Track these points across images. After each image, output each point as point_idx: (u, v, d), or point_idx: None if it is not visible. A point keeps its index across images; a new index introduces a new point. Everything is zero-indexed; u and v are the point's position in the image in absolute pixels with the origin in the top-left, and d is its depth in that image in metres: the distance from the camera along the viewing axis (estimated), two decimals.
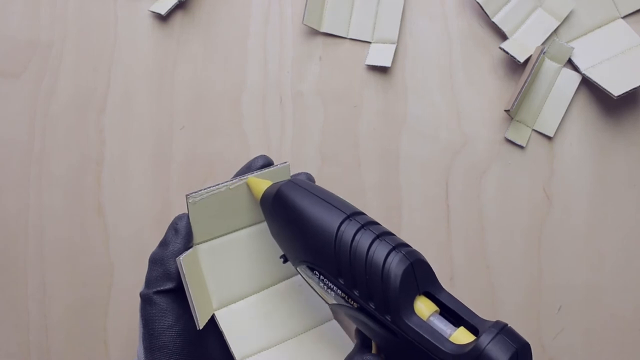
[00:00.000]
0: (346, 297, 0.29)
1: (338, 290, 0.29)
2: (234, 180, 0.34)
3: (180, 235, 0.34)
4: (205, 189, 0.33)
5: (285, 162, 0.36)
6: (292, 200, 0.31)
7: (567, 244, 0.41)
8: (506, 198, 0.41)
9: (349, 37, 0.43)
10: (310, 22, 0.42)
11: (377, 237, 0.28)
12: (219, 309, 0.35)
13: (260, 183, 0.34)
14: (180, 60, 0.44)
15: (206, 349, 0.34)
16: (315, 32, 0.43)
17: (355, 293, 0.28)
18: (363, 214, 0.30)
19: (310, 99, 0.43)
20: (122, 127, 0.43)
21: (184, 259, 0.32)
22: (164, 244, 0.34)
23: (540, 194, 0.41)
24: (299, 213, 0.30)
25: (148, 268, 0.34)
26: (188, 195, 0.33)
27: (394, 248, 0.28)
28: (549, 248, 0.41)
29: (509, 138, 0.41)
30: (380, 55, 0.42)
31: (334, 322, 0.37)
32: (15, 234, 0.42)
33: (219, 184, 0.34)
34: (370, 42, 0.43)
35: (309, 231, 0.30)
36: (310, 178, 0.37)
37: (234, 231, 0.36)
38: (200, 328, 0.32)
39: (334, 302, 0.30)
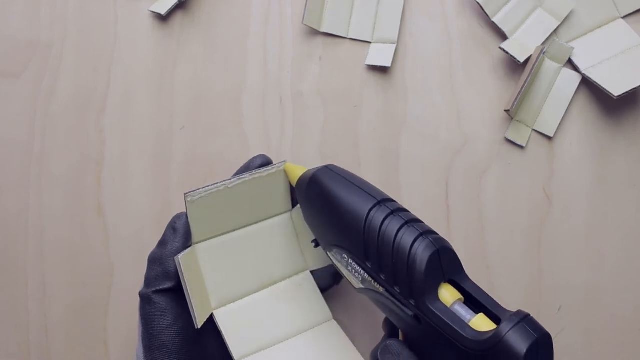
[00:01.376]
0: (372, 281, 0.29)
1: (365, 274, 0.30)
2: (233, 179, 0.34)
3: (179, 234, 0.34)
4: (203, 187, 0.33)
5: (284, 161, 0.36)
6: (325, 185, 0.32)
7: (567, 244, 0.41)
8: (506, 198, 0.41)
9: (349, 37, 0.43)
10: (310, 22, 0.42)
11: (406, 223, 0.29)
12: (217, 308, 0.35)
13: (296, 169, 0.35)
14: (180, 60, 0.44)
15: (206, 348, 0.34)
16: (315, 32, 0.43)
17: (382, 277, 0.29)
18: (393, 201, 0.31)
19: (310, 99, 0.43)
20: (122, 127, 0.43)
21: (182, 258, 0.32)
22: (162, 243, 0.34)
23: (540, 194, 0.41)
24: (331, 198, 0.31)
25: (147, 267, 0.34)
26: (186, 194, 0.33)
27: (421, 234, 0.28)
28: (549, 248, 0.41)
29: (509, 138, 0.41)
30: (380, 55, 0.42)
31: (334, 322, 0.37)
32: (15, 234, 0.42)
33: (217, 183, 0.34)
34: (370, 42, 0.43)
35: (340, 215, 0.30)
36: None
37: (234, 230, 0.36)
38: (199, 327, 0.32)
39: (361, 286, 0.30)
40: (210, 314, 0.34)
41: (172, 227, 0.34)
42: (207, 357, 0.34)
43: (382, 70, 0.43)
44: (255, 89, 0.43)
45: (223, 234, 0.36)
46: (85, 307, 0.42)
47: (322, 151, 0.42)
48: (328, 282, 0.38)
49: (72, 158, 0.43)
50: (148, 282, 0.34)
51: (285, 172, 0.36)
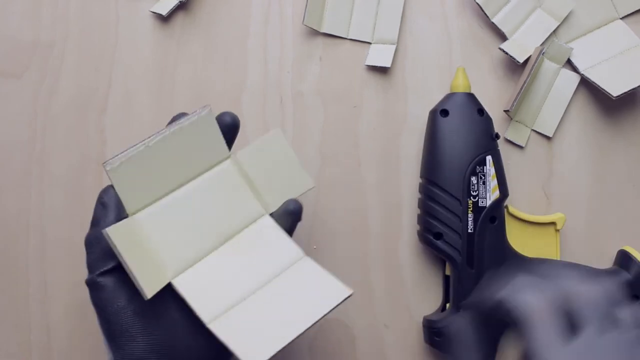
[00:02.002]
0: None
1: None
2: (152, 136, 0.31)
3: (110, 209, 0.31)
4: (122, 152, 0.30)
5: (206, 105, 0.33)
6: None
7: (567, 244, 0.41)
8: None
9: (349, 37, 0.43)
10: (310, 22, 0.42)
11: None
12: (175, 276, 0.32)
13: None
14: (180, 60, 0.44)
15: (174, 320, 0.31)
16: (315, 33, 0.43)
17: None
18: None
19: (310, 99, 0.43)
20: (123, 127, 0.43)
21: (110, 231, 0.29)
22: (94, 222, 0.31)
23: (540, 194, 0.41)
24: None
25: (86, 253, 0.31)
26: (105, 162, 0.30)
27: None
28: None
29: (509, 138, 0.41)
30: (380, 55, 0.42)
31: (307, 258, 0.33)
32: (16, 234, 0.42)
33: (136, 144, 0.31)
34: (370, 43, 0.43)
35: None
36: (234, 118, 0.35)
37: (171, 192, 0.33)
38: (149, 297, 0.29)
39: None
40: (165, 282, 0.31)
41: (100, 202, 0.31)
42: (178, 329, 0.31)
43: (382, 70, 0.43)
44: (255, 89, 0.43)
45: (161, 197, 0.32)
46: (86, 306, 0.42)
47: (322, 151, 0.42)
48: (289, 219, 0.34)
49: (73, 158, 0.43)
50: (90, 267, 0.31)
51: (211, 116, 0.33)
